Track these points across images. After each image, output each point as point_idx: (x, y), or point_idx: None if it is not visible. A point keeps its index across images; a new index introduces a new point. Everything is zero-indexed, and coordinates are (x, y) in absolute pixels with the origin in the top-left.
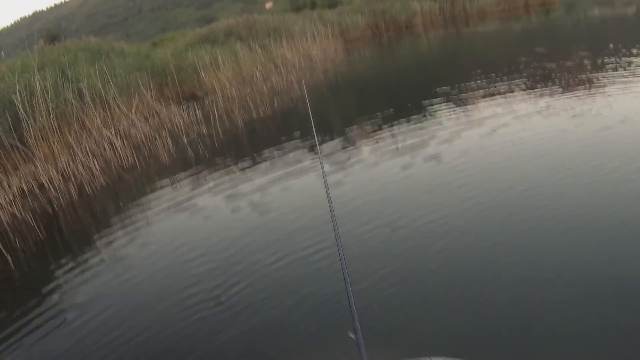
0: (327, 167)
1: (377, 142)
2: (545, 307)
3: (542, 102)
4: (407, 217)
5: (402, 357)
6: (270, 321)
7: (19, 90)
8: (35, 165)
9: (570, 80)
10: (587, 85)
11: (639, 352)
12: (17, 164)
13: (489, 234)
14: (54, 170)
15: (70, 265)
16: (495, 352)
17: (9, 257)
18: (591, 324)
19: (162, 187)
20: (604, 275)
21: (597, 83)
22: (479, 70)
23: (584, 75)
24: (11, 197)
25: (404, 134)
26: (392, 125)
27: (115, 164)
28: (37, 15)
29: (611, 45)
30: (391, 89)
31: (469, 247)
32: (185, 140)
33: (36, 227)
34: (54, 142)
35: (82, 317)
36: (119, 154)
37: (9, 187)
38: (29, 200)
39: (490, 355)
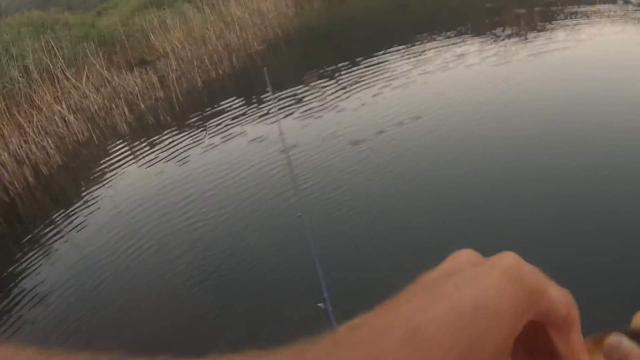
0: (288, 136)
1: (330, 89)
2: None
3: (487, 48)
4: (369, 173)
5: None
6: (236, 292)
7: None
8: None
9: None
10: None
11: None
12: None
13: (457, 183)
14: (6, 154)
15: (33, 253)
16: None
17: None
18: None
19: (122, 159)
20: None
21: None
22: (429, 21)
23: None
24: None
25: (354, 80)
26: (343, 73)
27: (71, 139)
28: None
29: None
30: (342, 40)
31: (435, 207)
32: (142, 106)
33: None
34: (3, 124)
35: (47, 303)
36: (73, 129)
37: None
38: None
39: None
